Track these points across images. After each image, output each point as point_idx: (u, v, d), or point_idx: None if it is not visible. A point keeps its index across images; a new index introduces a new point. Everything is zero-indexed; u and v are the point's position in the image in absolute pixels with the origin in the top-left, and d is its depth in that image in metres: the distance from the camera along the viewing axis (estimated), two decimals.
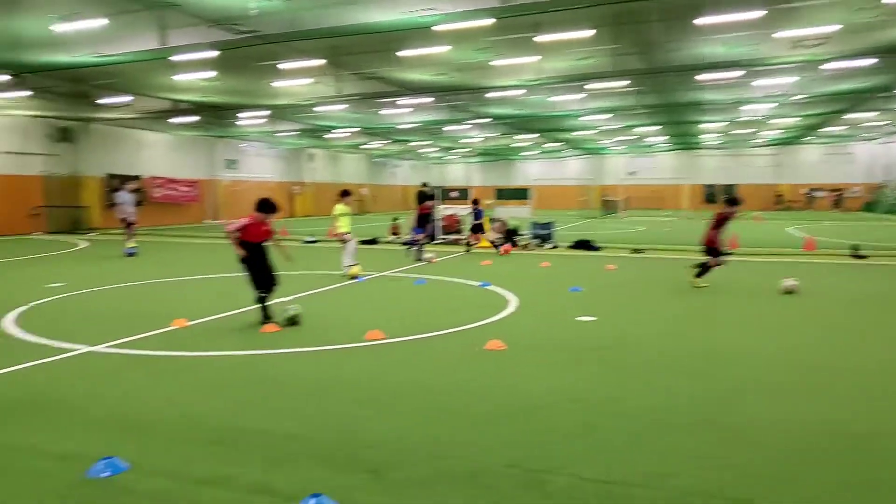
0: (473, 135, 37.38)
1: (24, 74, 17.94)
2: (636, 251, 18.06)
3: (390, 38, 15.47)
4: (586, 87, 22.06)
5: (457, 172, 64.12)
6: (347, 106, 25.45)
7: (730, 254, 12.79)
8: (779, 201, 52.15)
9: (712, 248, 11.75)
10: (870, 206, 47.55)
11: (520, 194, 24.57)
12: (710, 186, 54.89)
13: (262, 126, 32.01)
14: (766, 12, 13.24)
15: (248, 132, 34.62)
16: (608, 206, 46.07)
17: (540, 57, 17.98)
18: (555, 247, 19.53)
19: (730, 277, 13.11)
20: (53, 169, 26.88)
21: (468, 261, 16.21)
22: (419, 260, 15.67)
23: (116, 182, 27.40)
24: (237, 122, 30.21)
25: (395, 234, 23.06)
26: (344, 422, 4.79)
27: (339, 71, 19.70)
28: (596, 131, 38.50)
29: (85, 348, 6.93)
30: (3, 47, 15.32)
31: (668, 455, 4.18)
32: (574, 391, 5.52)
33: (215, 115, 27.54)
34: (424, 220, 16.69)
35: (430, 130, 36.09)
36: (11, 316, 8.74)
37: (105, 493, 3.64)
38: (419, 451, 4.25)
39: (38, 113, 25.34)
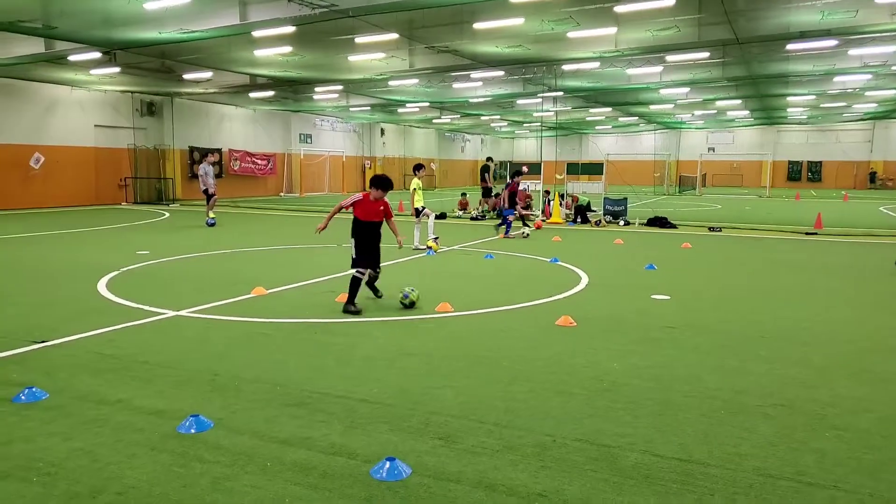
0: (546, 108, 36.73)
1: (114, 51, 18.84)
2: (713, 229, 17.43)
3: (465, 10, 15.31)
4: (667, 58, 21.19)
5: (528, 147, 63.38)
6: (419, 80, 25.48)
7: None
8: (872, 179, 48.89)
9: None
10: None
11: (593, 169, 24.06)
12: (795, 163, 52.09)
13: (336, 101, 32.52)
14: None
15: (322, 107, 35.26)
16: (685, 183, 44.51)
17: (617, 29, 17.39)
18: (628, 224, 19.08)
19: (812, 257, 12.48)
20: (140, 142, 28.28)
21: (539, 237, 16.07)
22: (506, 236, 15.39)
23: (198, 155, 28.63)
24: (312, 97, 30.80)
25: (463, 208, 23.10)
26: (415, 390, 4.89)
27: (413, 44, 19.71)
28: (674, 105, 37.07)
29: (171, 312, 7.33)
30: (96, 25, 16.11)
31: (744, 436, 4.07)
32: (647, 369, 5.43)
33: (291, 90, 28.16)
34: (513, 198, 16.28)
35: (501, 104, 35.71)
36: (105, 280, 9.33)
37: (193, 447, 3.87)
38: (488, 420, 4.30)
39: (127, 88, 26.61)
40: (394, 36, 17.60)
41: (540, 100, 31.69)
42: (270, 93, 28.23)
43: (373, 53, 20.38)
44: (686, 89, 29.80)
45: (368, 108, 35.26)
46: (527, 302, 8.12)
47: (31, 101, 24.10)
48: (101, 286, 8.89)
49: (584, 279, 9.81)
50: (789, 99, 35.11)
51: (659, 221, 18.56)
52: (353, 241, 7.81)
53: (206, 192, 17.92)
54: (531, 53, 21.27)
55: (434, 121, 45.09)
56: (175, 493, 3.33)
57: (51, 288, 8.84)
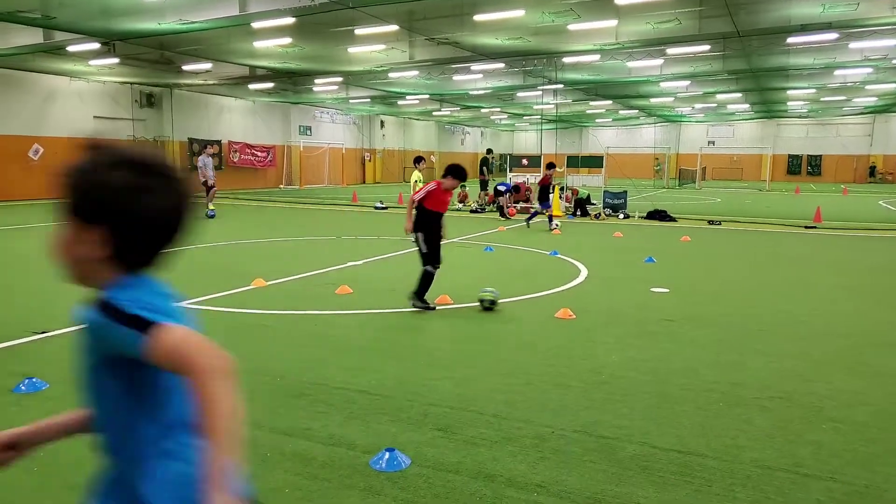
0: (546, 101, 36.67)
1: (113, 42, 18.77)
2: (712, 223, 17.44)
3: (465, 2, 15.27)
4: (668, 51, 21.14)
5: (527, 140, 63.28)
6: (419, 72, 25.41)
7: None
8: (872, 173, 48.89)
9: None
10: None
11: (592, 162, 24.04)
12: (795, 157, 52.05)
13: (336, 93, 32.44)
14: None
15: (322, 99, 35.18)
16: (684, 177, 44.49)
17: (617, 21, 17.33)
18: (627, 217, 19.08)
19: (812, 250, 12.49)
20: (140, 133, 28.22)
21: (538, 230, 16.08)
22: (546, 228, 15.21)
23: (197, 146, 28.58)
24: (312, 89, 30.73)
25: (463, 201, 23.08)
26: (415, 381, 4.91)
27: (413, 36, 19.65)
28: (674, 98, 37.01)
29: None
30: (95, 15, 16.05)
31: (742, 429, 4.09)
32: (645, 362, 5.45)
33: (291, 82, 28.09)
34: (546, 192, 16.09)
35: (501, 97, 35.64)
36: None
37: None
38: (487, 412, 4.32)
39: (126, 79, 26.54)
40: (394, 27, 17.55)
41: (540, 92, 31.62)
42: (270, 84, 28.16)
43: (373, 45, 20.32)
44: (686, 82, 29.74)
45: (368, 100, 35.19)
46: (526, 294, 8.13)
47: (29, 92, 24.02)
48: None
49: (584, 272, 9.83)
50: (789, 92, 35.03)
51: (658, 215, 18.56)
52: (420, 234, 7.30)
53: (205, 183, 17.89)
54: (531, 45, 21.21)
55: (434, 113, 45.00)
56: None
57: (50, 279, 8.81)
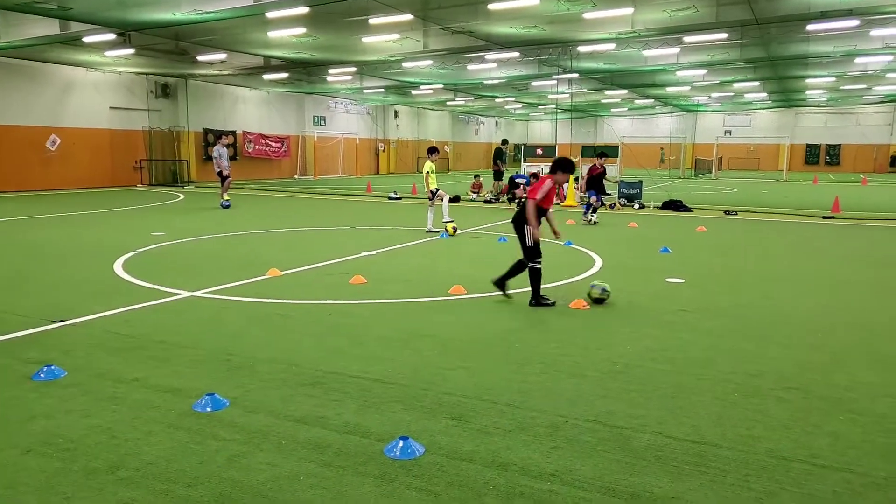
0: (561, 90, 36.38)
1: (129, 32, 18.87)
2: (728, 213, 17.27)
3: None
4: (685, 39, 20.87)
5: (542, 129, 62.92)
6: (433, 62, 25.31)
7: None
8: (893, 163, 48.10)
9: None
10: None
11: (608, 152, 23.86)
12: (813, 146, 51.33)
13: (350, 83, 32.41)
14: None
15: (335, 89, 35.17)
16: (700, 167, 44.05)
17: (633, 9, 17.13)
18: (642, 206, 18.94)
19: (830, 241, 12.34)
20: (155, 124, 28.40)
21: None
22: (590, 223, 14.91)
23: (212, 137, 28.72)
24: (326, 79, 30.72)
25: (476, 191, 23.04)
26: (429, 370, 4.92)
27: (427, 25, 19.55)
28: (690, 87, 36.57)
29: (186, 293, 7.40)
30: (111, 6, 16.13)
31: (757, 419, 4.06)
32: (660, 352, 5.41)
33: (305, 72, 28.10)
34: (596, 182, 15.82)
35: (515, 86, 35.41)
36: (121, 261, 9.43)
37: (209, 425, 3.92)
38: (501, 401, 4.32)
39: (142, 70, 26.70)
40: (408, 17, 17.47)
41: (555, 81, 31.37)
42: (284, 74, 28.19)
43: (387, 34, 20.26)
44: (703, 71, 29.36)
45: (382, 90, 35.12)
46: (542, 285, 8.08)
47: (46, 83, 24.24)
48: (118, 267, 8.98)
49: (598, 262, 9.77)
50: (808, 81, 34.48)
51: (674, 205, 18.41)
52: (528, 228, 7.04)
53: (220, 174, 17.99)
54: (546, 34, 21.03)
55: (448, 103, 44.84)
56: (191, 469, 3.38)
57: (68, 269, 8.96)
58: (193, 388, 4.49)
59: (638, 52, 24.44)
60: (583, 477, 3.33)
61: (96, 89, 26.03)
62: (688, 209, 18.05)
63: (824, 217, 16.51)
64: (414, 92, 36.64)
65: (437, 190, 13.16)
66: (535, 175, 20.64)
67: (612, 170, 22.64)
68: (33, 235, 12.19)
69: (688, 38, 20.66)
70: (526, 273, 7.14)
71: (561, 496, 3.14)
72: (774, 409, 4.24)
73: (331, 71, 27.90)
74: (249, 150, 32.86)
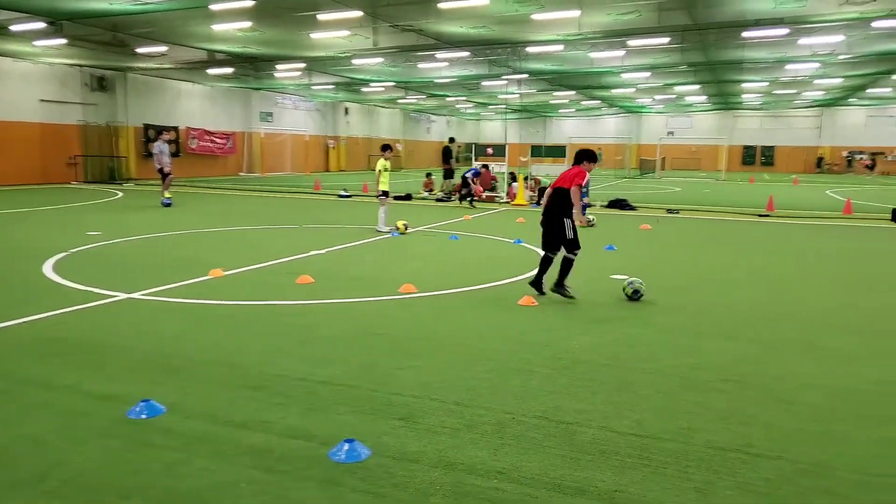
0: (510, 90, 36.72)
1: (60, 22, 18.04)
2: (671, 211, 17.75)
3: None
4: (629, 42, 21.36)
5: (493, 129, 63.38)
6: (384, 59, 25.15)
7: None
8: (819, 164, 50.54)
9: None
10: None
11: (556, 152, 24.20)
12: (750, 147, 53.38)
13: (299, 79, 31.90)
14: None
15: (284, 85, 34.56)
16: (645, 167, 45.19)
17: (580, 12, 17.42)
18: (589, 205, 19.26)
19: (765, 238, 12.82)
20: (91, 118, 27.26)
21: (502, 218, 16.13)
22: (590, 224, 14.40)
23: (153, 132, 27.78)
24: (273, 74, 30.15)
25: (428, 189, 23.01)
26: (377, 371, 4.86)
27: (377, 22, 19.40)
28: (634, 89, 37.49)
29: (123, 295, 7.12)
30: None
31: (697, 412, 4.17)
32: (605, 347, 5.50)
33: (252, 67, 27.51)
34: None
35: (466, 85, 35.55)
36: (51, 262, 9.01)
37: (144, 432, 3.77)
38: (449, 399, 4.30)
39: (76, 62, 25.57)
40: (357, 13, 17.31)
41: (505, 82, 31.66)
42: (229, 69, 27.54)
43: (336, 31, 20.03)
44: (647, 74, 30.14)
45: (332, 86, 34.70)
46: (490, 282, 8.14)
47: None
48: (48, 268, 8.57)
49: None
50: (744, 85, 35.88)
51: (619, 203, 18.80)
52: (568, 220, 7.22)
53: (161, 171, 17.41)
54: (496, 34, 21.19)
55: (399, 101, 44.69)
56: (124, 478, 3.24)
57: None
58: (128, 393, 4.31)
59: (584, 55, 24.91)
60: (529, 473, 3.34)
61: (25, 80, 24.76)
62: (632, 208, 18.46)
63: (760, 215, 17.16)
64: (364, 89, 36.35)
65: (387, 193, 13.04)
66: (485, 166, 20.69)
67: (561, 169, 22.95)
68: None
69: (632, 42, 21.16)
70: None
71: (508, 494, 3.14)
72: (714, 401, 4.36)
73: (278, 66, 27.41)
74: (193, 147, 31.96)
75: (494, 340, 5.70)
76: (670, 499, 3.13)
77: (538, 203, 19.72)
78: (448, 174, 21.84)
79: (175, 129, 30.31)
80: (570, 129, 56.89)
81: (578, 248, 7.31)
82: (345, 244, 11.21)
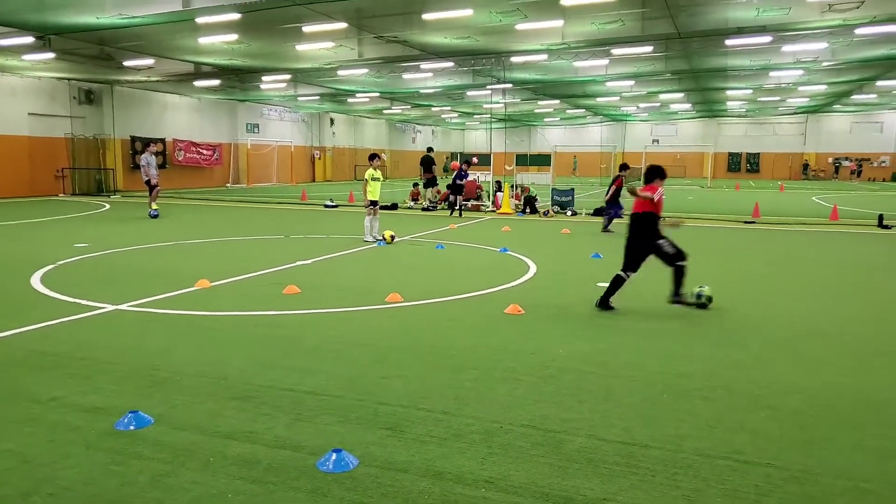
0: (495, 100, 36.93)
1: (48, 36, 17.96)
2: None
3: (414, 1, 15.22)
4: (612, 51, 21.57)
5: (478, 138, 63.61)
6: (369, 70, 25.22)
7: None
8: (805, 171, 51.19)
9: None
10: None
11: (541, 161, 24.32)
12: (735, 154, 53.95)
13: (284, 90, 31.90)
14: None
15: (270, 96, 34.54)
16: (630, 174, 45.46)
17: (563, 21, 17.58)
18: (575, 214, 19.39)
19: (751, 245, 12.95)
20: (78, 131, 27.11)
21: (488, 227, 16.18)
22: (607, 230, 14.72)
23: (140, 144, 27.64)
24: (259, 86, 30.13)
25: (415, 199, 23.04)
26: (364, 381, 4.86)
27: (362, 34, 19.47)
28: (619, 98, 37.82)
29: (110, 307, 7.08)
30: (29, 8, 15.33)
31: (684, 419, 4.20)
32: (592, 355, 5.54)
33: (237, 79, 27.48)
34: (617, 195, 15.13)
35: (451, 95, 35.71)
36: (39, 274, 8.94)
37: (132, 445, 3.75)
38: (437, 409, 4.31)
39: (63, 75, 25.45)
40: (342, 25, 17.36)
41: (489, 91, 31.82)
42: (216, 81, 27.48)
43: (321, 42, 20.07)
44: (631, 82, 30.43)
45: (317, 97, 34.72)
46: (476, 291, 8.16)
47: None
48: (36, 281, 8.50)
49: (533, 268, 9.93)
50: (728, 93, 36.27)
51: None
52: (662, 241, 7.27)
53: (148, 182, 17.33)
54: (480, 45, 21.31)
55: (384, 111, 44.76)
56: (111, 492, 3.22)
57: None
58: (116, 406, 4.28)
59: (568, 64, 25.10)
60: (517, 483, 3.35)
61: (13, 94, 24.63)
62: (619, 216, 18.57)
63: (746, 222, 17.33)
64: (350, 100, 36.40)
65: (376, 203, 13.02)
66: (467, 162, 20.66)
67: (546, 178, 23.07)
68: None
69: (615, 51, 21.36)
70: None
71: (495, 503, 3.16)
72: (700, 409, 4.40)
73: (264, 78, 27.39)
74: (179, 159, 31.82)
75: (481, 349, 5.72)
76: None
77: (524, 212, 19.83)
78: (430, 182, 21.90)
79: (162, 141, 30.17)
80: (556, 138, 57.26)
81: (683, 257, 7.22)
82: (331, 254, 11.20)
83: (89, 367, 5.10)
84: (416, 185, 24.75)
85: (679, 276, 7.19)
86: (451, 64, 24.35)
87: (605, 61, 24.23)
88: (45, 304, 7.27)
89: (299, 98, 34.95)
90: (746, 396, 4.63)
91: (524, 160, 24.44)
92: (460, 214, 18.64)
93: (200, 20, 15.63)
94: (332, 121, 44.58)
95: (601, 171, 49.30)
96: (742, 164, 53.92)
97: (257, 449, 3.70)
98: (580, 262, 10.71)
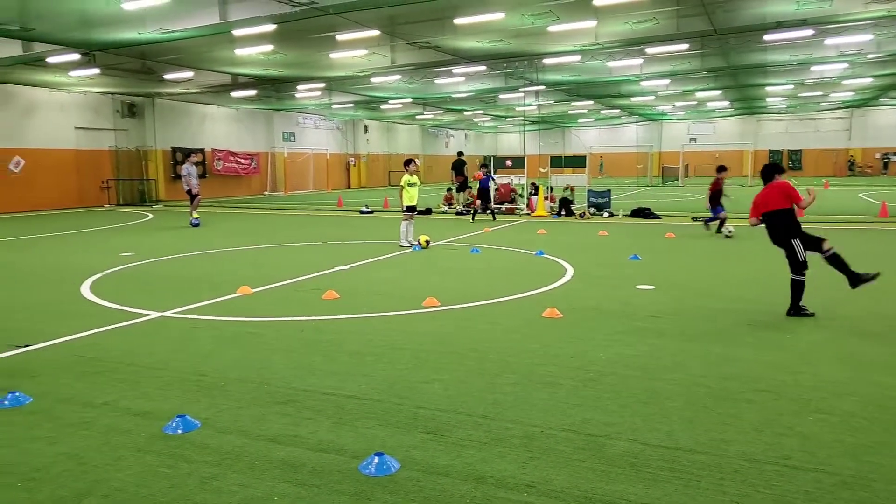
0: (528, 102, 36.79)
1: (93, 52, 18.61)
2: (696, 219, 17.57)
3: (446, 6, 15.30)
4: (647, 50, 21.31)
5: (511, 141, 63.46)
6: (401, 76, 25.42)
7: None
8: (851, 167, 49.63)
9: None
10: None
11: (575, 162, 24.13)
12: (776, 152, 52.66)
13: (319, 98, 32.37)
14: None
15: (304, 105, 35.08)
16: (667, 174, 44.81)
17: (596, 21, 17.45)
18: (612, 215, 19.19)
19: None
20: (122, 143, 27.98)
21: (524, 229, 16.12)
22: (725, 234, 14.09)
23: (181, 155, 28.38)
24: (294, 95, 30.64)
25: (448, 203, 23.10)
26: (403, 385, 4.90)
27: (394, 41, 19.65)
28: (654, 97, 37.30)
29: (156, 314, 7.28)
30: (74, 26, 15.90)
31: (730, 423, 4.12)
32: (633, 358, 5.47)
33: (273, 88, 28.00)
34: (717, 197, 14.65)
35: (483, 99, 35.71)
36: (88, 283, 9.24)
37: (180, 448, 3.85)
38: (476, 413, 4.32)
39: (107, 90, 26.32)
40: (375, 32, 17.56)
41: (522, 94, 31.73)
42: (252, 91, 28.06)
43: (354, 50, 20.32)
44: (666, 81, 29.99)
45: (351, 105, 35.14)
46: (513, 295, 8.14)
47: (9, 104, 23.76)
48: (85, 289, 8.79)
49: (570, 271, 9.86)
50: (768, 89, 35.43)
51: (642, 212, 18.68)
52: (796, 241, 6.97)
53: (189, 192, 17.78)
54: (512, 48, 21.29)
55: (417, 117, 45.03)
56: (162, 493, 3.31)
57: (33, 292, 8.74)
58: (164, 410, 4.40)
59: (602, 64, 24.87)
60: (558, 487, 3.34)
61: (61, 109, 25.59)
62: (656, 216, 18.33)
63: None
64: (383, 106, 36.72)
65: (413, 208, 13.09)
66: (485, 165, 20.61)
67: (582, 179, 22.89)
68: None
69: (650, 50, 21.10)
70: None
71: None
72: (746, 412, 4.31)
73: (299, 87, 27.84)
74: (219, 168, 32.54)
75: (519, 353, 5.71)
76: None
77: (559, 214, 19.69)
78: (463, 186, 21.95)
79: (201, 151, 30.94)
80: (591, 139, 56.75)
81: (800, 271, 6.93)
82: (368, 259, 11.31)
83: (137, 373, 5.25)
84: (449, 189, 24.82)
85: (795, 290, 6.93)
86: (483, 68, 24.38)
87: (640, 60, 23.96)
88: (94, 311, 7.51)
89: (333, 106, 35.41)
90: (794, 399, 4.51)
91: (559, 162, 24.23)
92: (493, 218, 18.60)
93: (237, 32, 16.00)
94: (365, 128, 45.03)
95: (637, 171, 48.66)
96: (784, 162, 52.57)
97: (301, 452, 3.76)
98: (618, 264, 10.59)
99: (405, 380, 5.01)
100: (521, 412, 4.34)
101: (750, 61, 25.74)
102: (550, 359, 5.51)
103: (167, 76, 23.07)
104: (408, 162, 13.31)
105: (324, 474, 3.49)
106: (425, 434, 4.00)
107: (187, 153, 21.57)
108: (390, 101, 34.68)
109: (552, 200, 20.94)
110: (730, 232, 14.02)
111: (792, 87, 34.44)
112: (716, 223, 14.62)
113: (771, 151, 52.56)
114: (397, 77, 25.52)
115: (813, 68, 27.68)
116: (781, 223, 7.07)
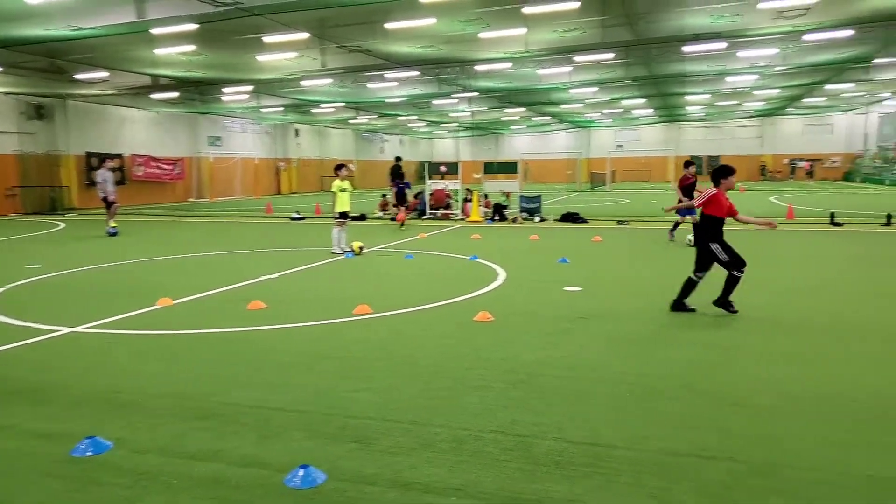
0: (461, 109, 37.12)
1: None
2: (621, 223, 18.15)
3: (376, 10, 15.22)
4: (574, 59, 21.90)
5: (446, 146, 63.80)
6: (333, 80, 25.13)
7: None
8: (763, 172, 52.64)
9: None
10: (848, 176, 48.51)
11: (508, 168, 24.47)
12: (696, 157, 55.17)
13: (247, 102, 31.59)
14: None
15: (231, 108, 34.16)
16: (595, 180, 46.14)
17: (526, 29, 17.79)
18: (542, 220, 19.55)
19: None
20: (29, 148, 26.35)
21: (458, 235, 16.20)
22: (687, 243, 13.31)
23: (96, 160, 27.00)
24: (220, 98, 29.78)
25: (383, 209, 22.97)
26: (332, 394, 4.80)
27: (324, 44, 19.40)
28: (583, 104, 38.38)
29: (66, 329, 6.87)
30: None
31: (651, 419, 4.24)
32: (561, 359, 5.56)
33: (197, 91, 27.12)
34: (689, 193, 13.76)
35: (417, 104, 35.79)
36: None
37: (90, 471, 3.63)
38: (405, 420, 4.28)
39: (11, 90, 24.77)
40: (304, 35, 17.28)
41: (455, 100, 31.99)
42: (174, 94, 27.08)
43: (283, 53, 19.95)
44: (593, 89, 30.91)
45: (281, 108, 34.46)
46: (446, 300, 8.15)
47: None
48: None
49: (502, 275, 9.96)
50: (688, 97, 37.12)
51: (571, 217, 19.13)
52: (716, 245, 7.18)
53: (105, 199, 16.92)
54: (444, 54, 21.44)
55: (350, 121, 44.63)
56: None
57: None
58: (73, 431, 4.14)
59: (533, 71, 25.39)
60: (486, 489, 3.34)
61: None
62: (584, 221, 18.80)
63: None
64: (314, 110, 36.22)
65: (346, 214, 12.88)
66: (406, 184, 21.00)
67: (514, 185, 23.24)
68: None
69: (577, 58, 21.68)
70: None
71: None
72: (666, 407, 4.45)
73: (225, 90, 27.10)
74: (139, 174, 31.21)
75: (451, 357, 5.70)
76: None
77: (493, 219, 19.92)
78: (402, 194, 21.87)
79: (119, 156, 29.56)
80: (522, 145, 57.79)
81: (737, 267, 7.10)
82: (298, 267, 11.08)
83: (44, 393, 4.93)
84: (384, 195, 24.68)
85: (728, 283, 7.16)
86: (416, 73, 24.42)
87: (568, 69, 24.60)
88: None
89: (262, 109, 34.63)
90: (712, 393, 4.69)
91: (492, 168, 24.49)
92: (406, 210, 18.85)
93: (156, 31, 15.39)
94: (296, 132, 44.26)
95: (567, 177, 49.88)
96: (703, 167, 55.10)
97: (223, 468, 3.62)
98: (548, 267, 10.78)
99: (334, 389, 4.92)
100: (451, 416, 4.33)
101: (671, 71, 26.89)
102: (482, 362, 5.54)
103: (79, 76, 21.95)
104: (339, 167, 13.09)
105: (247, 489, 3.37)
106: (353, 443, 3.93)
107: (103, 158, 20.52)
108: (321, 105, 34.22)
109: (487, 206, 21.15)
110: (689, 241, 13.13)
111: (709, 96, 36.21)
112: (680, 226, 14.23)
113: (691, 157, 55.06)
114: (328, 81, 25.22)
115: (727, 79, 29.20)
116: (703, 224, 7.42)
